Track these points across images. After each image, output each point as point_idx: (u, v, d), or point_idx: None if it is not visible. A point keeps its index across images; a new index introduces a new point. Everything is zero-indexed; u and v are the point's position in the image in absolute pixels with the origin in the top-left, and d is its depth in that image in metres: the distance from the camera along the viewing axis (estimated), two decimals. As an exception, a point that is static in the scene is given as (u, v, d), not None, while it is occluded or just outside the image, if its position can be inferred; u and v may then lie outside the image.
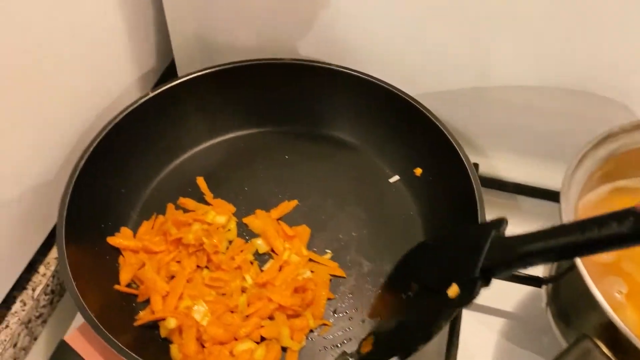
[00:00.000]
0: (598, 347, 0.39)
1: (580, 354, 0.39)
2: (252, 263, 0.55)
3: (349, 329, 0.52)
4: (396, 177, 0.64)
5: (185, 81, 0.62)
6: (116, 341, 0.43)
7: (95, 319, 0.44)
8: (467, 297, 0.37)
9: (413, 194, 0.63)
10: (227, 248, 0.56)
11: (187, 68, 0.71)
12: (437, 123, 0.60)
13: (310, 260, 0.56)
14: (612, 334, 0.39)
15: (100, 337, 0.43)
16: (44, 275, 0.57)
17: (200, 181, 0.62)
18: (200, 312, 0.50)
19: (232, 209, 0.60)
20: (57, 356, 0.45)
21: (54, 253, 0.59)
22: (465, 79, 0.65)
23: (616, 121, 0.62)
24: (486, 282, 0.37)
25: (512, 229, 0.64)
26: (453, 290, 0.37)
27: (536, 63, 0.61)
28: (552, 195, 0.69)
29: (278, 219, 0.59)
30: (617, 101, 0.61)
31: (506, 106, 0.67)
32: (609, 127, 0.50)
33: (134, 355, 0.42)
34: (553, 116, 0.66)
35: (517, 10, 0.56)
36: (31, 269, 0.57)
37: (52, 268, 0.58)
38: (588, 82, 0.61)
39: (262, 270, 0.55)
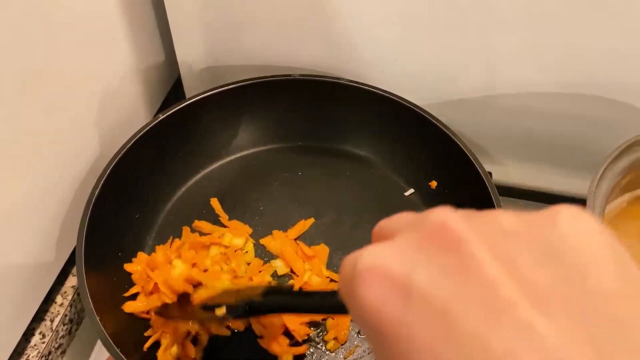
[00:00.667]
0: None
1: None
2: (270, 284, 0.55)
3: (374, 349, 0.52)
4: (411, 191, 0.64)
5: (194, 102, 0.61)
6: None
7: (120, 352, 0.43)
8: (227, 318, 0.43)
9: (429, 207, 0.61)
10: (245, 271, 0.56)
11: (194, 89, 0.70)
12: (449, 133, 0.59)
13: (332, 280, 0.55)
14: None
15: (129, 372, 0.42)
16: (61, 305, 0.57)
17: (215, 202, 0.62)
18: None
19: (249, 230, 0.59)
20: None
21: (70, 281, 0.59)
22: (473, 87, 0.65)
23: (630, 125, 0.63)
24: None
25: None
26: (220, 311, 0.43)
27: (544, 68, 0.61)
28: (568, 201, 0.69)
29: (296, 239, 0.59)
30: (634, 105, 0.61)
31: (516, 113, 0.67)
32: (634, 136, 0.49)
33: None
34: (566, 122, 0.66)
35: (525, 14, 0.56)
36: (48, 299, 0.57)
37: (70, 297, 0.57)
38: (599, 87, 0.61)
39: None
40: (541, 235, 0.19)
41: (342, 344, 0.52)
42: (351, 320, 0.53)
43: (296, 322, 0.51)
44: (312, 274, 0.55)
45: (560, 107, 0.65)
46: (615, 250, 0.19)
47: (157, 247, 0.57)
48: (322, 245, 0.58)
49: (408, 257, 0.19)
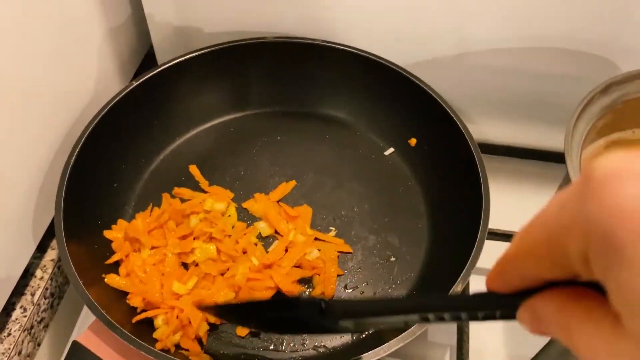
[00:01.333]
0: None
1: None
2: (256, 245, 0.55)
3: (362, 303, 0.52)
4: (391, 150, 0.64)
5: (167, 68, 0.61)
6: (132, 336, 0.42)
7: (107, 315, 0.43)
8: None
9: (410, 165, 0.63)
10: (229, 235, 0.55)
11: (167, 55, 0.69)
12: (426, 89, 0.60)
13: (316, 239, 0.55)
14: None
15: (115, 333, 0.42)
16: (41, 278, 0.55)
17: (194, 169, 0.61)
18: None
19: (230, 194, 0.59)
20: (71, 358, 0.43)
21: (49, 255, 0.57)
22: (446, 45, 0.65)
23: (603, 78, 0.64)
24: None
25: (511, 191, 0.66)
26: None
27: (515, 24, 0.61)
28: (543, 155, 0.70)
29: (278, 201, 0.58)
30: (603, 57, 0.62)
31: (489, 70, 0.67)
32: (607, 79, 0.50)
33: (154, 349, 0.41)
34: (538, 77, 0.66)
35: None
36: (27, 273, 0.55)
37: (50, 271, 0.56)
38: (571, 40, 0.62)
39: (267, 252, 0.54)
40: None
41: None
42: (339, 275, 0.53)
43: (288, 282, 0.51)
44: (296, 233, 0.55)
45: (530, 63, 0.65)
46: None
47: (136, 214, 0.56)
48: (305, 206, 0.58)
49: None
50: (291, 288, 0.51)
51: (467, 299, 0.27)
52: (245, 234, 0.55)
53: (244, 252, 0.53)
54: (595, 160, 0.17)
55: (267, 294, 0.51)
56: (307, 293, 0.52)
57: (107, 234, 0.54)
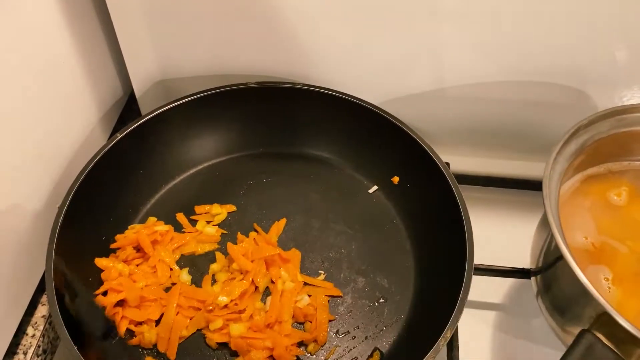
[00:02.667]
0: (599, 339, 0.41)
1: (585, 350, 0.41)
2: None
3: (354, 347, 0.53)
4: (375, 188, 0.65)
5: (150, 118, 0.61)
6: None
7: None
8: None
9: (393, 202, 0.64)
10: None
11: (150, 102, 0.70)
12: (404, 128, 0.61)
13: (305, 284, 0.56)
14: (609, 324, 0.42)
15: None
16: (33, 336, 0.55)
17: (181, 217, 0.61)
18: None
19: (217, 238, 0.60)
20: None
21: (40, 311, 0.57)
22: (424, 81, 0.67)
23: (575, 107, 0.66)
24: None
25: (493, 221, 0.68)
26: None
27: (491, 58, 0.63)
28: (523, 184, 0.72)
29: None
30: (576, 88, 0.64)
31: (466, 103, 0.69)
32: (578, 122, 0.52)
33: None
34: (516, 109, 0.68)
35: (467, 7, 0.57)
36: (18, 331, 0.55)
37: (41, 327, 0.56)
38: (543, 74, 0.64)
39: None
40: None
41: (321, 346, 0.53)
42: (331, 320, 0.54)
43: (283, 346, 0.51)
44: (285, 280, 0.55)
45: (508, 95, 0.67)
46: None
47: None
48: (294, 250, 0.59)
49: None
50: (286, 355, 0.51)
51: None
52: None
53: (242, 312, 0.53)
54: None
55: (264, 355, 0.51)
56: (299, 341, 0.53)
57: (98, 262, 0.55)
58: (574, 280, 0.43)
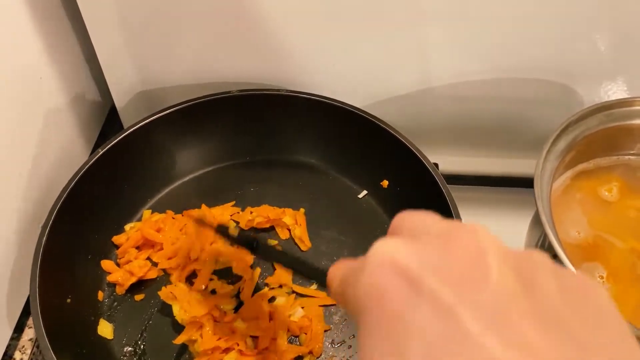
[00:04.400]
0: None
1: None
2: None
3: (351, 357, 0.52)
4: (364, 193, 0.64)
5: (133, 131, 0.59)
6: None
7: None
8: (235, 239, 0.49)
9: (384, 207, 0.63)
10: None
11: (131, 113, 0.68)
12: (391, 131, 0.60)
13: (298, 295, 0.55)
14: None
15: None
16: (21, 360, 0.54)
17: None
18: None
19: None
20: None
21: (27, 334, 0.56)
22: (410, 82, 0.66)
23: (562, 103, 0.66)
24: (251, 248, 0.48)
25: (484, 220, 0.67)
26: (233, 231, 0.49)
27: (478, 56, 0.63)
28: (513, 181, 0.72)
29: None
30: (559, 83, 0.64)
31: (454, 102, 0.68)
32: (566, 118, 0.52)
33: None
34: (504, 106, 0.68)
35: (451, 5, 0.57)
36: (5, 356, 0.54)
37: (29, 351, 0.55)
38: (534, 70, 0.63)
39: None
40: (565, 277, 0.20)
41: (317, 357, 0.52)
42: (326, 331, 0.53)
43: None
44: (278, 296, 0.54)
45: (496, 93, 0.67)
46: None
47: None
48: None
49: (425, 257, 0.20)
50: None
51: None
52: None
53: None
54: (374, 246, 0.22)
55: None
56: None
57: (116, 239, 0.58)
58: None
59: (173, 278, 0.56)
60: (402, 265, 0.20)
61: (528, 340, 0.17)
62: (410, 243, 0.21)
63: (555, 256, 0.47)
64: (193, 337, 0.51)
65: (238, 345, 0.51)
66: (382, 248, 0.21)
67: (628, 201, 0.54)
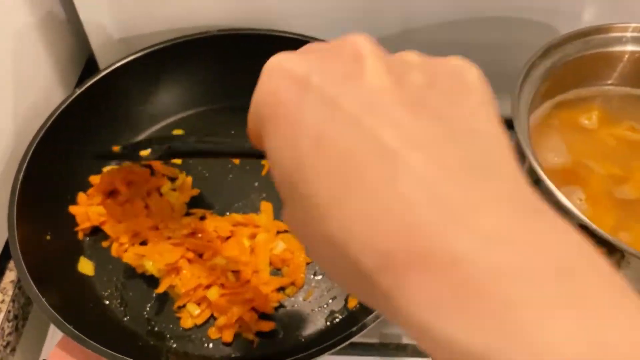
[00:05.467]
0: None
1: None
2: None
3: (333, 287, 0.52)
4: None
5: (109, 73, 0.59)
6: (103, 348, 0.41)
7: (76, 330, 0.42)
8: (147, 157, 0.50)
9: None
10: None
11: (109, 59, 0.67)
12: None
13: (279, 232, 0.55)
14: (584, 236, 0.42)
15: (86, 347, 0.41)
16: (2, 302, 0.54)
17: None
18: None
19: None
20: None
21: (8, 277, 0.55)
22: (390, 23, 0.65)
23: (542, 43, 0.65)
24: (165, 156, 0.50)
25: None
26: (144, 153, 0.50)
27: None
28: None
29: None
30: (545, 23, 0.63)
31: (435, 45, 0.68)
32: (546, 42, 0.51)
33: (126, 358, 0.41)
34: (483, 48, 0.67)
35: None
36: (-14, 298, 0.54)
37: (10, 293, 0.54)
38: (512, 8, 0.63)
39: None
40: (434, 67, 0.22)
41: (299, 288, 0.52)
42: (308, 263, 0.53)
43: (263, 295, 0.50)
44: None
45: (474, 34, 0.66)
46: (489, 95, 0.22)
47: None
48: (263, 202, 0.58)
49: (310, 62, 0.22)
50: (269, 301, 0.51)
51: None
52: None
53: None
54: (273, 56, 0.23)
55: (245, 308, 0.50)
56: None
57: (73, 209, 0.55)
58: (548, 197, 0.43)
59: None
60: (289, 69, 0.22)
61: (398, 121, 0.19)
62: (297, 54, 0.23)
63: (537, 181, 0.47)
64: (173, 283, 0.51)
65: (219, 279, 0.51)
66: (271, 60, 0.23)
67: (607, 129, 0.54)
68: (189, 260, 0.52)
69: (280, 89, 0.21)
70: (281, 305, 0.51)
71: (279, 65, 0.22)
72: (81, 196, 0.56)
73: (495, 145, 0.20)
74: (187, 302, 0.50)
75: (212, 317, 0.50)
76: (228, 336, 0.49)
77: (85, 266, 0.52)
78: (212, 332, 0.50)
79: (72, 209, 0.55)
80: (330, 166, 0.19)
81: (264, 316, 0.50)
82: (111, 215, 0.55)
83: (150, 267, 0.51)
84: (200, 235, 0.53)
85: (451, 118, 0.20)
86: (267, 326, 0.50)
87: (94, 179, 0.57)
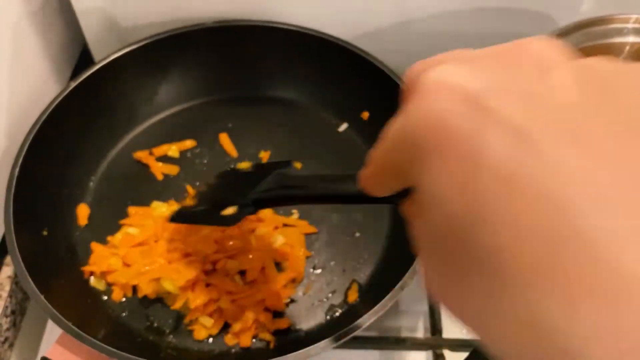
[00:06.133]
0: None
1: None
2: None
3: (332, 281, 0.52)
4: (345, 125, 0.64)
5: (104, 65, 0.58)
6: (102, 344, 0.41)
7: (75, 327, 0.41)
8: (233, 218, 0.43)
9: (364, 139, 0.63)
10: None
11: (103, 52, 0.66)
12: (374, 61, 0.59)
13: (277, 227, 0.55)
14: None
15: (85, 344, 0.41)
16: (-1, 297, 0.53)
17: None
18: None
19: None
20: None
21: (4, 272, 0.55)
22: (388, 14, 0.65)
23: (544, 33, 0.65)
24: (254, 211, 0.43)
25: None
26: (227, 211, 0.43)
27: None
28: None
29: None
30: (541, 12, 0.63)
31: (433, 35, 0.67)
32: (545, 34, 0.51)
33: (125, 354, 0.40)
34: (481, 38, 0.67)
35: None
36: (-17, 294, 0.53)
37: (7, 288, 0.54)
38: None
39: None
40: (624, 79, 0.17)
41: (299, 282, 0.52)
42: (308, 257, 0.53)
43: (274, 292, 0.50)
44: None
45: (472, 24, 0.66)
46: None
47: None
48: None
49: (486, 76, 0.18)
50: (281, 298, 0.51)
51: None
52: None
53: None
54: (423, 73, 0.18)
55: (260, 309, 0.49)
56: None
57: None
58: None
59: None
60: (460, 86, 0.17)
61: (603, 150, 0.15)
62: (466, 63, 0.18)
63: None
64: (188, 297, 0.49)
65: (227, 285, 0.50)
66: (432, 73, 0.18)
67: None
68: (206, 273, 0.51)
69: (450, 112, 0.17)
70: (292, 300, 0.51)
71: (443, 80, 0.18)
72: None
73: None
74: (198, 316, 0.49)
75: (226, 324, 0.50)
76: (246, 341, 0.48)
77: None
78: (229, 339, 0.49)
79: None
80: (533, 217, 0.15)
81: (277, 314, 0.50)
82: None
83: (170, 286, 0.49)
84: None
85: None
86: (283, 323, 0.49)
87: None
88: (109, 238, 0.53)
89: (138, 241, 0.52)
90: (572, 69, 0.17)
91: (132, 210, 0.56)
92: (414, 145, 0.18)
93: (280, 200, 0.44)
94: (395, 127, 0.19)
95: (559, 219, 0.15)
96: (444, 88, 0.17)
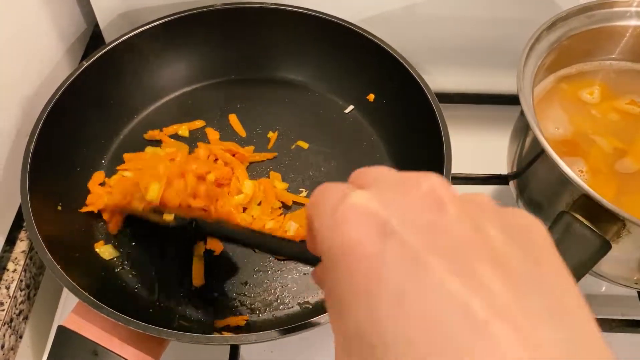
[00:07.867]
0: (577, 219, 0.42)
1: (563, 229, 0.42)
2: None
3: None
4: (351, 107, 0.65)
5: (115, 46, 0.59)
6: (119, 313, 0.42)
7: (92, 297, 0.43)
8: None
9: (370, 120, 0.64)
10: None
11: (114, 33, 0.67)
12: (381, 44, 0.60)
13: (285, 206, 0.56)
14: (586, 206, 0.43)
15: (102, 313, 0.42)
16: (14, 271, 0.55)
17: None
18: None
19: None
20: (59, 342, 0.43)
21: (19, 247, 0.56)
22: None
23: (547, 18, 0.66)
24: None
25: (468, 136, 0.68)
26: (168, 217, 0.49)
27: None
28: (496, 99, 0.73)
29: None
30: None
31: (439, 20, 0.68)
32: (551, 16, 0.52)
33: (142, 323, 0.42)
34: (487, 23, 0.68)
35: None
36: (-2, 267, 0.55)
37: (22, 262, 0.55)
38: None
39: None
40: (505, 218, 0.21)
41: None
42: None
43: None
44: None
45: (478, 9, 0.67)
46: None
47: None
48: (272, 172, 0.59)
49: (392, 206, 0.21)
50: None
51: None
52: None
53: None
54: (350, 193, 0.22)
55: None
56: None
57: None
58: (551, 168, 0.44)
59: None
60: (370, 213, 0.21)
61: (485, 282, 0.18)
62: (377, 193, 0.22)
63: (539, 152, 0.48)
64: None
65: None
66: (351, 200, 0.21)
67: (609, 103, 0.55)
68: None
69: (362, 235, 0.20)
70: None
71: (360, 207, 0.21)
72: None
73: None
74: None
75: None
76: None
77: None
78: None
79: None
80: (414, 327, 0.18)
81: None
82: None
83: (152, 192, 0.50)
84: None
85: (527, 280, 0.19)
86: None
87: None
88: (106, 179, 0.57)
89: (132, 183, 0.54)
90: (463, 207, 0.21)
91: (127, 156, 0.59)
92: (330, 259, 0.21)
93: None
94: (318, 225, 0.22)
95: (435, 333, 0.18)
96: (360, 213, 0.21)
